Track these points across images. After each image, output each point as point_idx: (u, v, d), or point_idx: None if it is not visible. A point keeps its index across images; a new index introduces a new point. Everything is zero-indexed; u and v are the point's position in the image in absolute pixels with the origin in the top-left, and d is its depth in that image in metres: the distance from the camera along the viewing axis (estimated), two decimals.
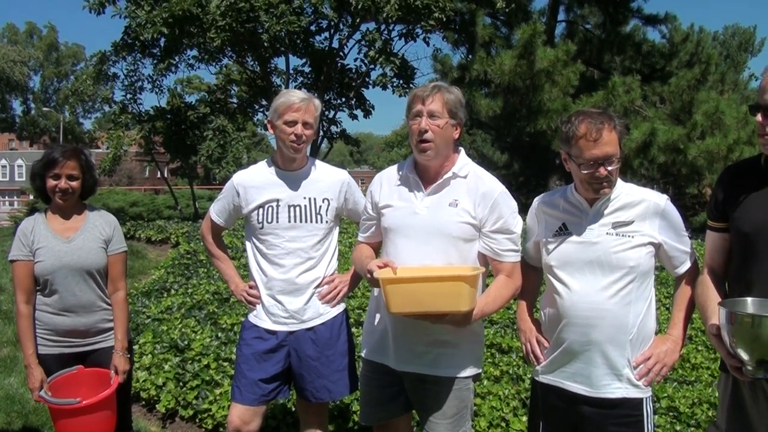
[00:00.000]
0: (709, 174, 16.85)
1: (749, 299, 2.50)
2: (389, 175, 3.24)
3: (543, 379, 3.02)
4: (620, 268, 2.79)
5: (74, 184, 3.57)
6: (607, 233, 2.82)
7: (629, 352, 2.83)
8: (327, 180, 3.54)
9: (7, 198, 55.06)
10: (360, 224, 3.43)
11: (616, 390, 2.83)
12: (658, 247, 2.85)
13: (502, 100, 16.86)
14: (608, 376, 2.83)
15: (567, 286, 2.88)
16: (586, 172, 2.76)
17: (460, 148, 3.16)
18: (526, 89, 16.15)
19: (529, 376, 5.10)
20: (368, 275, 2.94)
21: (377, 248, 3.31)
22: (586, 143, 2.73)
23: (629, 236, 2.81)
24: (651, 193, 2.89)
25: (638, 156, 16.11)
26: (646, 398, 2.85)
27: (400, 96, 15.73)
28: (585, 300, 2.83)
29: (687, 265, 2.90)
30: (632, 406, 2.83)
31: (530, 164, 20.33)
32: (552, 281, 2.96)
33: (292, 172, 3.49)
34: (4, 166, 69.34)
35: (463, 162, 3.09)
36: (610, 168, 2.74)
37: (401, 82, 16.13)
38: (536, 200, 3.12)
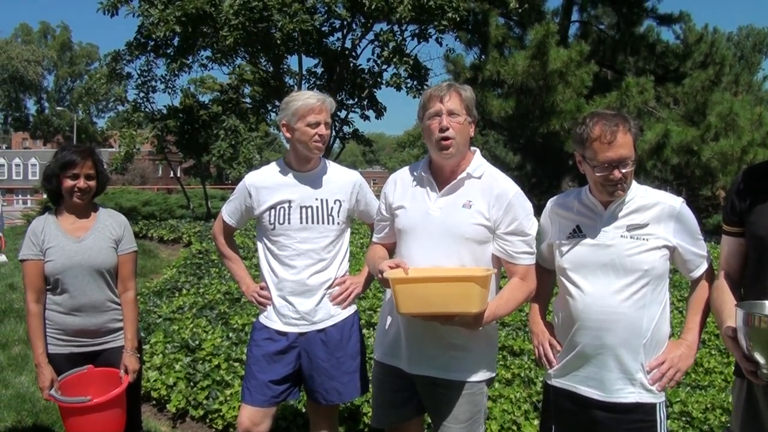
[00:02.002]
0: (723, 176, 16.77)
1: (767, 302, 2.46)
2: (403, 175, 3.22)
3: (555, 382, 2.99)
4: (634, 272, 2.76)
5: (92, 183, 3.60)
6: (621, 236, 2.80)
7: (643, 357, 2.80)
8: (339, 181, 3.53)
9: (20, 196, 55.41)
10: (374, 224, 3.40)
11: (629, 395, 2.80)
12: (672, 250, 2.82)
13: (514, 100, 16.80)
14: (621, 380, 2.80)
15: (580, 289, 2.85)
16: (600, 174, 2.74)
17: (475, 148, 3.13)
18: (539, 90, 16.09)
19: (541, 379, 5.06)
20: (379, 275, 2.92)
21: (391, 249, 3.28)
22: (601, 145, 2.71)
23: (644, 239, 2.78)
24: (666, 195, 2.86)
25: (651, 157, 16.03)
26: (660, 403, 2.82)
27: (414, 97, 15.72)
28: (598, 303, 2.80)
29: (702, 269, 2.87)
30: (645, 411, 2.80)
31: (543, 165, 20.24)
32: (565, 284, 2.93)
33: (304, 173, 3.48)
34: (18, 165, 69.89)
35: (478, 162, 3.06)
36: (624, 171, 2.72)
37: (415, 82, 16.11)
38: (550, 202, 3.10)
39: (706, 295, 2.86)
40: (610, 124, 2.71)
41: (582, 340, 2.85)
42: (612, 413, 2.81)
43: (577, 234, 2.91)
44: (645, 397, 2.80)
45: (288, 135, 3.43)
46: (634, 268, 2.76)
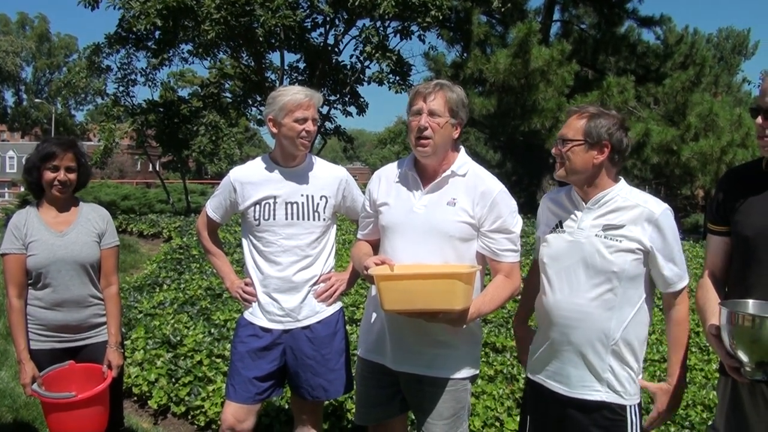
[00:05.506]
0: (702, 176, 16.95)
1: (750, 301, 2.48)
2: (388, 172, 3.21)
3: (530, 375, 3.04)
4: (604, 272, 2.73)
5: (72, 176, 3.55)
6: (595, 235, 2.78)
7: (611, 359, 2.77)
8: (325, 177, 3.51)
9: None
10: (359, 221, 3.39)
11: (594, 393, 2.78)
12: (647, 254, 2.75)
13: (496, 98, 16.86)
14: (586, 378, 2.80)
15: (552, 285, 2.87)
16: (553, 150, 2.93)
17: (461, 147, 3.13)
18: (521, 88, 16.17)
19: (524, 375, 5.09)
20: (364, 272, 2.91)
21: (376, 245, 3.26)
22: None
23: (617, 240, 2.74)
24: (650, 200, 2.80)
25: (631, 156, 16.14)
26: (631, 405, 2.79)
27: (396, 92, 15.71)
28: (567, 300, 2.81)
29: (677, 287, 2.79)
30: (612, 410, 2.78)
31: (524, 163, 20.37)
32: (542, 278, 2.95)
33: (290, 169, 3.45)
34: None
35: (462, 161, 3.05)
36: (561, 148, 2.82)
37: (397, 78, 16.11)
38: (545, 196, 3.12)
39: (684, 335, 2.82)
40: (575, 109, 2.88)
41: (552, 335, 2.87)
42: (577, 410, 2.81)
43: (558, 229, 2.92)
44: (612, 398, 2.78)
45: (274, 130, 3.39)
46: (604, 269, 2.73)
